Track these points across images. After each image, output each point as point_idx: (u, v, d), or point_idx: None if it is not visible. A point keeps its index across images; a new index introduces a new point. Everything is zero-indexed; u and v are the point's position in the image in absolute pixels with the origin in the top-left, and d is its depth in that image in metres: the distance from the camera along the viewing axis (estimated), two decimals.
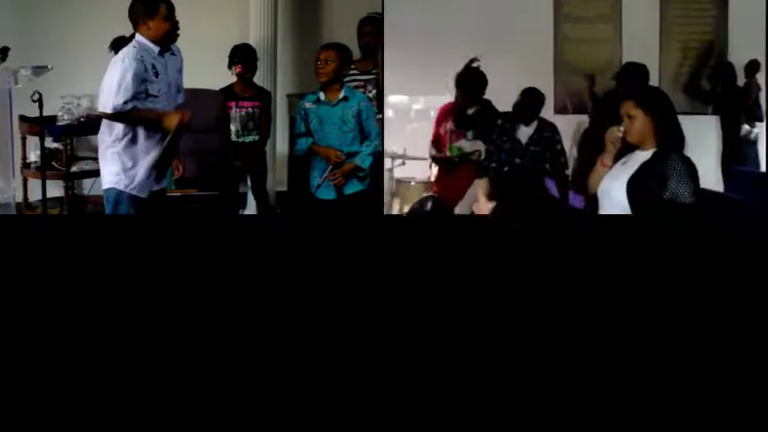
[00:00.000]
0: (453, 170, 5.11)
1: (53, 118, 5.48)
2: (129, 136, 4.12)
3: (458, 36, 5.46)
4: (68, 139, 5.62)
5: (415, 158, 5.50)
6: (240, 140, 5.26)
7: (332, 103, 4.51)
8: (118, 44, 4.15)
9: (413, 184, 5.50)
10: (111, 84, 4.00)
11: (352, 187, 4.55)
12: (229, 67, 5.20)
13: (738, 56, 5.72)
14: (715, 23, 5.86)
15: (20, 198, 5.62)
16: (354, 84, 5.07)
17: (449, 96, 5.18)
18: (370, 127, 4.55)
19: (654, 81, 5.35)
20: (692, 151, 3.51)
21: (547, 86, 5.34)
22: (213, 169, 5.40)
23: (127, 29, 4.14)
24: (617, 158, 3.59)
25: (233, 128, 5.25)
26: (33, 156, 5.62)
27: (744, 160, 5.69)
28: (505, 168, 4.97)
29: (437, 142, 5.24)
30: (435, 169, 5.33)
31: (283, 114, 6.16)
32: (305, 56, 5.95)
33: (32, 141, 5.54)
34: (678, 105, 3.82)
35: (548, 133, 5.05)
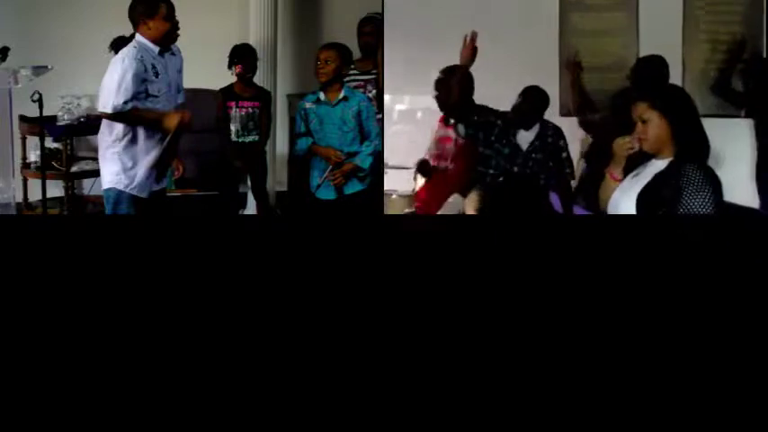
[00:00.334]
0: (439, 181, 4.61)
1: (53, 118, 5.48)
2: (129, 136, 4.12)
3: (458, 36, 5.37)
4: (68, 139, 5.62)
5: (396, 168, 4.89)
6: (240, 140, 5.27)
7: (332, 103, 4.52)
8: (118, 44, 4.15)
9: (394, 197, 4.93)
10: (111, 84, 4.00)
11: (352, 187, 4.55)
12: (229, 67, 5.21)
13: None
14: (748, 12, 4.99)
15: (20, 198, 5.62)
16: (354, 84, 5.07)
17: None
18: (370, 127, 4.56)
19: (675, 78, 4.72)
20: (720, 160, 3.13)
21: (551, 85, 4.78)
22: (213, 169, 5.40)
23: (127, 29, 4.15)
24: (629, 170, 3.18)
25: (233, 128, 5.25)
26: (33, 156, 5.63)
27: None
28: (500, 179, 4.43)
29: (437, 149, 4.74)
30: (421, 180, 4.80)
31: (283, 114, 6.17)
32: (305, 56, 5.96)
33: (32, 141, 5.54)
34: (703, 107, 3.43)
35: (552, 139, 4.50)
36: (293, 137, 4.83)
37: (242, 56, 5.21)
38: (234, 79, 5.24)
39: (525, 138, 4.52)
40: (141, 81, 4.03)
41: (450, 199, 4.49)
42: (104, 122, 4.17)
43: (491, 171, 4.50)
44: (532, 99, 4.50)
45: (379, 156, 4.55)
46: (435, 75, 4.67)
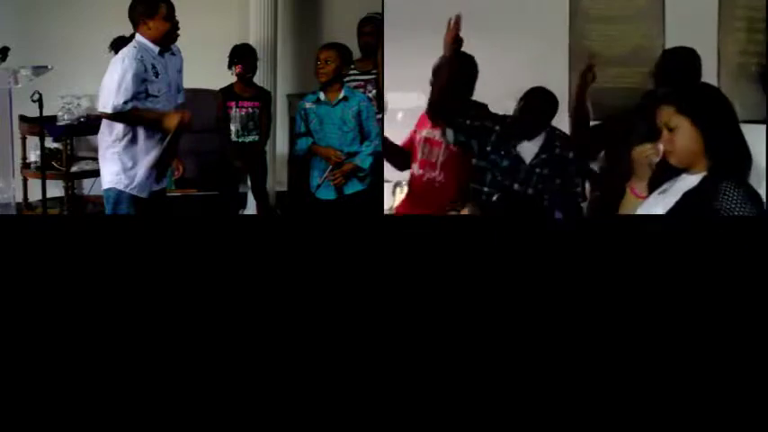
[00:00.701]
0: (424, 195, 3.93)
1: (53, 118, 5.48)
2: (129, 136, 4.12)
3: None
4: (68, 139, 5.62)
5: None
6: (240, 140, 5.27)
7: (332, 103, 4.52)
8: (118, 44, 4.16)
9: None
10: (111, 84, 4.00)
11: (352, 187, 4.55)
12: (229, 67, 5.21)
13: None
14: None
15: (20, 198, 5.61)
16: (354, 84, 5.07)
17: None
18: (370, 127, 4.56)
19: (708, 77, 3.83)
20: (762, 175, 2.63)
21: (560, 85, 4.01)
22: (213, 169, 5.40)
23: (127, 29, 4.15)
24: (655, 186, 2.68)
25: (233, 128, 5.26)
26: (33, 156, 5.62)
27: None
28: (494, 198, 3.68)
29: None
30: (401, 195, 4.28)
31: (283, 114, 6.17)
32: (305, 56, 5.95)
33: (32, 141, 5.53)
34: (743, 110, 2.82)
35: (560, 150, 3.77)
36: (293, 137, 4.83)
37: (242, 56, 5.21)
38: (234, 79, 5.24)
39: (528, 149, 3.79)
40: (141, 81, 4.03)
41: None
42: (104, 122, 4.17)
43: (485, 188, 3.80)
44: (537, 102, 3.78)
45: (378, 156, 4.55)
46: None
